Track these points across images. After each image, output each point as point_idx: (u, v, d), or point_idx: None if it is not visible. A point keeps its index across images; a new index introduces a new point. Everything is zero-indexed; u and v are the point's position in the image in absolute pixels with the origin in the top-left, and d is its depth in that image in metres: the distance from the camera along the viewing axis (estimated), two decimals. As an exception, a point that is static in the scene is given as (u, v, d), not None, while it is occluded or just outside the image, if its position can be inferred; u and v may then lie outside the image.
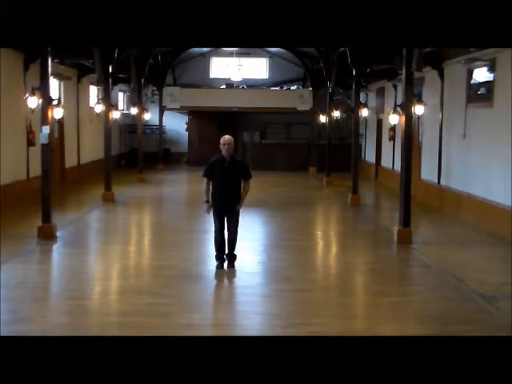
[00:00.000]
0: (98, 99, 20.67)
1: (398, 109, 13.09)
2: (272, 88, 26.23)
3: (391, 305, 7.13)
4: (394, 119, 16.98)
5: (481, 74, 12.84)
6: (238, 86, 26.02)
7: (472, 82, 13.17)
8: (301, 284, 7.95)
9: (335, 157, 20.74)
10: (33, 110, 13.19)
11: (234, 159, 8.50)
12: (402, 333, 6.14)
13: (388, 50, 13.32)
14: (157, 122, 25.06)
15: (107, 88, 15.39)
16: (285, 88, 26.14)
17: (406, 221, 10.52)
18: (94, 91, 21.83)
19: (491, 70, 12.17)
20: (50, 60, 10.46)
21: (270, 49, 25.89)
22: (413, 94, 11.42)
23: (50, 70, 10.49)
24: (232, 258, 8.61)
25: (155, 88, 25.52)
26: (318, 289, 7.90)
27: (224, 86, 26.15)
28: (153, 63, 22.01)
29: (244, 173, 8.51)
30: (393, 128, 18.03)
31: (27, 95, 13.29)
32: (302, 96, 24.77)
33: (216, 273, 8.40)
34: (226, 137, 8.48)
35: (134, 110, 22.33)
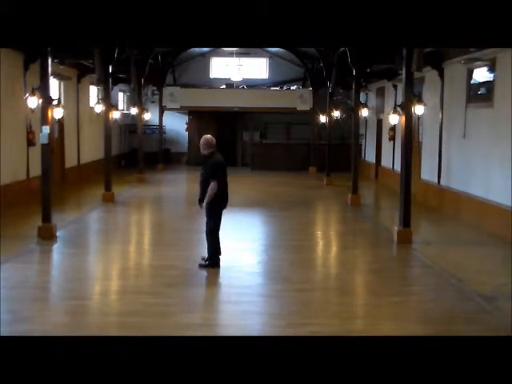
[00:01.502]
0: (98, 99, 20.66)
1: (398, 109, 13.08)
2: (272, 88, 26.22)
3: (391, 305, 7.12)
4: (393, 119, 16.97)
5: (481, 74, 12.84)
6: (238, 86, 26.02)
7: (472, 82, 13.17)
8: (301, 284, 7.95)
9: (335, 157, 20.74)
10: (33, 110, 13.19)
11: (207, 159, 8.56)
12: (401, 333, 6.14)
13: (388, 49, 13.31)
14: (157, 122, 25.06)
15: (107, 88, 15.38)
16: (285, 88, 26.14)
17: (405, 221, 10.52)
18: (94, 91, 21.82)
19: (491, 70, 12.17)
20: (50, 60, 10.46)
21: (269, 49, 25.89)
22: (413, 94, 11.42)
23: (50, 69, 10.49)
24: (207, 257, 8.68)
25: (155, 88, 25.51)
26: (317, 289, 7.90)
27: (224, 86, 26.15)
28: (153, 63, 21.99)
29: (209, 173, 8.49)
30: (393, 128, 18.03)
31: (27, 95, 13.29)
32: (302, 96, 24.77)
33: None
34: (205, 136, 8.65)
35: (134, 110, 22.32)
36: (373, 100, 22.69)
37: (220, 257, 8.69)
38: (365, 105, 21.14)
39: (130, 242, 11.32)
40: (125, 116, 25.79)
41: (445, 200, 14.36)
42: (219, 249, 8.68)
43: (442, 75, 14.72)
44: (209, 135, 8.74)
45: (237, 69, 26.05)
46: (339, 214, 14.91)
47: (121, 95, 26.48)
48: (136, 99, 21.48)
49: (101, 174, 16.27)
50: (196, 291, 7.72)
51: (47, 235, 10.35)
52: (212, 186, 8.36)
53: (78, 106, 19.88)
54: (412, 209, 10.69)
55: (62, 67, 16.79)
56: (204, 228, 8.81)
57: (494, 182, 11.69)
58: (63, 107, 16.05)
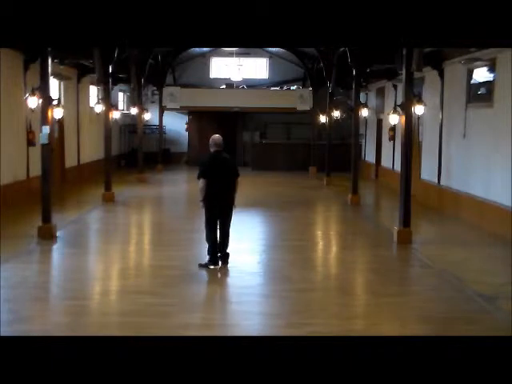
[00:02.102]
0: (98, 99, 20.66)
1: (398, 109, 13.08)
2: (272, 88, 26.23)
3: (391, 305, 7.12)
4: (394, 119, 16.98)
5: (481, 74, 12.84)
6: (238, 86, 26.02)
7: (472, 81, 13.17)
8: (301, 284, 7.95)
9: (335, 157, 20.74)
10: (33, 110, 13.19)
11: None
12: (401, 333, 6.14)
13: (388, 49, 13.30)
14: (157, 122, 25.05)
15: (107, 88, 15.38)
16: (285, 88, 26.14)
17: (405, 221, 10.52)
18: (94, 91, 21.82)
19: (491, 70, 12.17)
20: (50, 60, 10.45)
21: (269, 49, 25.88)
22: (413, 94, 11.41)
23: (50, 69, 10.48)
24: None
25: (155, 88, 25.51)
26: (318, 289, 7.90)
27: (224, 86, 26.15)
28: (153, 63, 21.99)
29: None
30: (393, 128, 18.03)
31: (27, 95, 13.29)
32: (301, 96, 24.77)
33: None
34: (213, 135, 8.80)
35: (134, 110, 22.33)
36: (373, 100, 22.69)
37: (219, 258, 8.69)
38: (365, 105, 21.14)
39: (130, 241, 11.32)
40: (125, 116, 25.79)
41: (445, 200, 14.35)
42: (215, 248, 8.66)
43: (442, 75, 14.72)
44: (216, 135, 8.80)
45: (237, 69, 26.05)
46: (339, 214, 14.91)
47: (121, 95, 26.48)
48: (136, 99, 21.47)
49: (101, 173, 16.28)
50: (196, 291, 7.71)
51: (47, 235, 10.35)
52: (199, 185, 8.52)
53: (78, 106, 19.88)
54: (412, 209, 10.68)
55: (62, 67, 16.78)
56: (204, 228, 8.81)
57: (494, 182, 11.69)
58: (63, 107, 16.06)
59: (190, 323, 6.39)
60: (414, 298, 7.55)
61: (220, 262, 8.65)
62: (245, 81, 26.23)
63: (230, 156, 8.93)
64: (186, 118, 27.02)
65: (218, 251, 8.66)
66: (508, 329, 6.17)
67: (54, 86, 16.81)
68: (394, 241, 10.56)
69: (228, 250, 8.77)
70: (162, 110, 24.64)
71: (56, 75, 16.13)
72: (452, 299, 7.37)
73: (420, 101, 14.34)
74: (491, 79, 12.22)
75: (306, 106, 24.60)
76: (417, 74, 11.57)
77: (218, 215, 8.65)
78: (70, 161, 19.24)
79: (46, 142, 10.38)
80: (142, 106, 21.40)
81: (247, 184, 19.60)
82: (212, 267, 8.56)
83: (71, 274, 8.40)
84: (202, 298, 7.61)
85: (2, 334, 5.55)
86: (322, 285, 8.13)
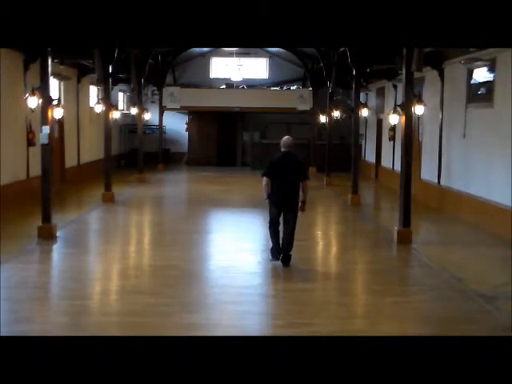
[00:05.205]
0: (98, 99, 20.66)
1: (398, 109, 13.08)
2: (272, 88, 26.23)
3: (391, 305, 7.13)
4: (393, 119, 16.98)
5: (481, 74, 12.84)
6: (238, 86, 26.03)
7: (472, 81, 13.17)
8: (301, 284, 7.96)
9: (335, 157, 20.74)
10: (33, 110, 13.18)
11: None
12: (401, 333, 6.14)
13: (388, 49, 13.30)
14: (157, 122, 25.05)
15: (107, 88, 15.38)
16: (285, 88, 26.15)
17: (406, 221, 10.52)
18: (94, 91, 21.82)
19: (491, 70, 12.17)
20: (50, 60, 10.46)
21: (269, 49, 25.89)
22: (413, 94, 11.42)
23: (50, 69, 10.49)
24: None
25: (155, 88, 25.51)
26: (318, 289, 7.91)
27: (224, 86, 26.15)
28: (153, 63, 21.98)
29: None
30: (393, 128, 18.03)
31: (27, 95, 13.29)
32: (302, 96, 24.77)
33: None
34: (284, 137, 8.95)
35: (133, 110, 22.32)
36: (373, 100, 22.69)
37: (280, 254, 8.68)
38: (365, 105, 21.14)
39: (130, 242, 11.32)
40: (125, 116, 25.79)
41: (445, 200, 14.35)
42: (275, 244, 8.71)
43: (442, 75, 14.72)
44: (286, 136, 8.96)
45: (237, 69, 26.05)
46: (339, 214, 14.91)
47: (121, 95, 26.47)
48: (136, 99, 21.46)
49: (101, 174, 16.27)
50: (196, 291, 7.72)
51: (47, 235, 10.35)
52: (262, 182, 8.63)
53: (78, 106, 19.87)
54: (412, 209, 10.69)
55: (62, 67, 16.77)
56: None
57: (494, 182, 11.69)
58: (63, 107, 16.05)
59: (190, 323, 6.39)
60: (413, 297, 7.55)
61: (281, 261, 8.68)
62: (245, 81, 26.23)
63: (299, 157, 8.87)
64: (186, 118, 27.01)
65: (280, 251, 8.69)
66: (508, 329, 6.17)
67: (54, 86, 16.81)
68: (393, 241, 10.56)
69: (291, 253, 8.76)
70: (162, 109, 24.63)
71: (56, 75, 16.13)
72: (452, 299, 7.38)
73: (420, 101, 14.33)
74: (491, 79, 12.22)
75: (306, 105, 24.60)
76: (417, 74, 11.57)
77: (279, 215, 8.73)
78: (70, 161, 19.24)
79: (45, 142, 10.38)
80: (141, 106, 21.39)
81: (247, 184, 19.62)
82: (271, 260, 8.76)
83: (71, 274, 8.40)
84: (202, 297, 7.60)
85: (2, 334, 5.55)
86: (322, 285, 8.13)
